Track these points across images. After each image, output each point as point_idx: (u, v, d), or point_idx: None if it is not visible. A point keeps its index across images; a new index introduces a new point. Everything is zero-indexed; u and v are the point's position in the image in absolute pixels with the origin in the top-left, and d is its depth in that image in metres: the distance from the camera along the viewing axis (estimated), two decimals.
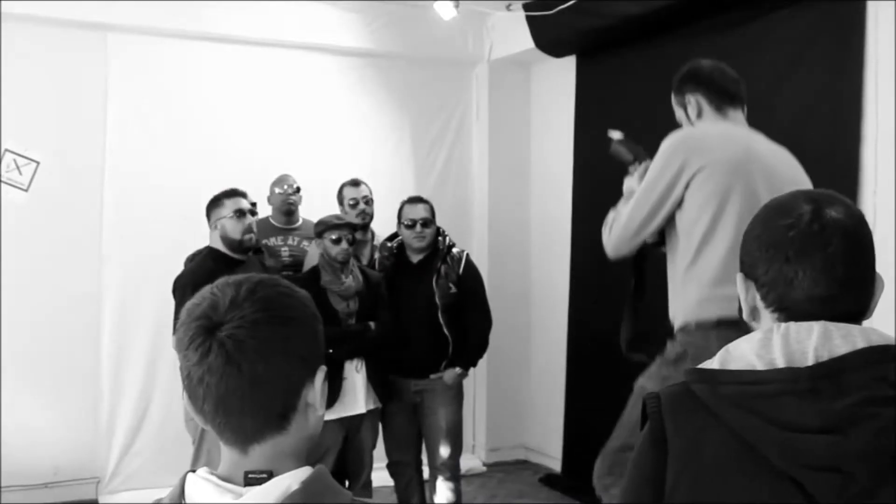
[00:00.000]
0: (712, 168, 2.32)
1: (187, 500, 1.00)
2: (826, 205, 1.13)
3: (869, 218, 3.28)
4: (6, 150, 4.56)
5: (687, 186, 2.35)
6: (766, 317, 1.16)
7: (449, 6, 4.83)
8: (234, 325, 0.98)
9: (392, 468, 3.92)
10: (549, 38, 5.11)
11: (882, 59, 3.39)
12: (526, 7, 5.13)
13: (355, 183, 4.25)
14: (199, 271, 3.44)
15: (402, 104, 5.50)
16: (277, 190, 4.26)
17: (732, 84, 2.51)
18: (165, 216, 4.74)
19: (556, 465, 5.36)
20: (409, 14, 5.30)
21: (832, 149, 3.56)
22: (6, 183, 4.56)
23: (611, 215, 2.59)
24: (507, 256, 5.69)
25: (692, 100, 2.50)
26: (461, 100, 5.72)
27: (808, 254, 1.11)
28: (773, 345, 1.09)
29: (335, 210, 4.14)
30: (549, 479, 5.25)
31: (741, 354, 1.11)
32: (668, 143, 2.42)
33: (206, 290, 1.04)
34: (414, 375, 3.77)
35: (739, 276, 1.21)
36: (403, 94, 5.50)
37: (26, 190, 4.61)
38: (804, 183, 2.40)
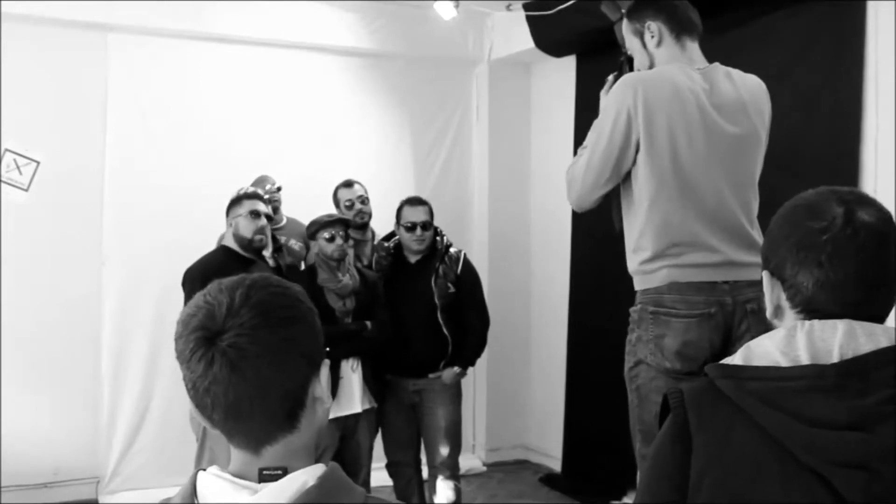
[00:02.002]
0: (650, 146, 2.31)
1: (200, 500, 1.00)
2: (858, 207, 1.13)
3: None
4: (6, 150, 4.56)
5: (635, 160, 2.35)
6: (791, 316, 1.17)
7: (449, 6, 4.83)
8: (234, 333, 0.97)
9: (391, 468, 3.91)
10: (549, 38, 5.11)
11: (882, 59, 3.39)
12: (526, 7, 5.12)
13: (348, 184, 4.26)
14: (210, 264, 3.49)
15: (402, 104, 5.50)
16: (259, 191, 4.26)
17: (691, 12, 2.47)
18: (165, 216, 4.74)
19: (556, 465, 5.36)
20: (409, 14, 5.30)
21: (832, 149, 3.56)
22: (6, 183, 4.56)
23: (573, 161, 2.55)
24: (507, 256, 5.68)
25: (653, 27, 2.44)
26: (461, 100, 5.71)
27: (841, 259, 1.11)
28: (797, 342, 1.09)
29: (334, 211, 4.15)
30: (549, 479, 5.25)
31: (765, 351, 1.12)
32: (615, 99, 2.37)
33: (199, 299, 1.02)
34: (412, 375, 3.77)
35: (765, 274, 1.21)
36: (403, 94, 5.50)
37: (26, 190, 4.61)
38: (749, 160, 2.39)
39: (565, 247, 5.32)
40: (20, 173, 4.59)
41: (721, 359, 2.49)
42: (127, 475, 4.71)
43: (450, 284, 3.76)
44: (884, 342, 1.08)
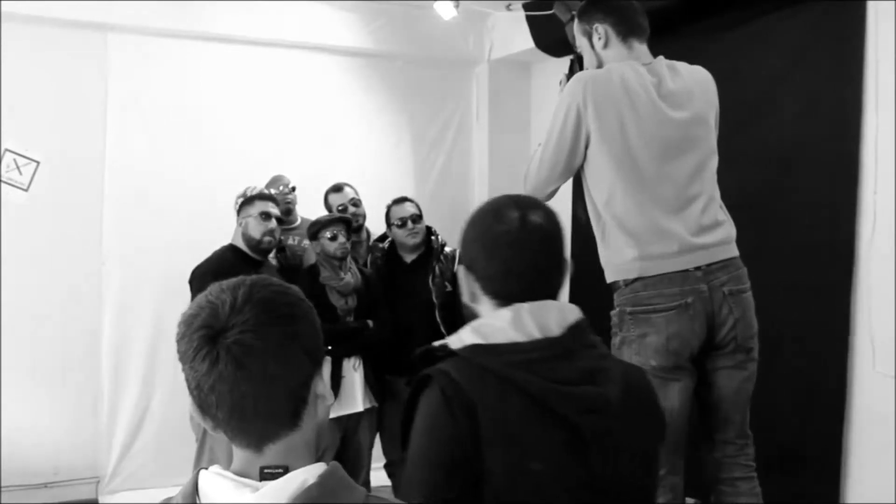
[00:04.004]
0: (603, 140, 2.34)
1: (202, 499, 1.00)
2: (529, 211, 1.42)
3: (868, 218, 3.28)
4: (6, 149, 4.56)
5: (586, 154, 2.39)
6: (485, 301, 1.43)
7: (449, 6, 4.83)
8: (238, 330, 0.98)
9: (389, 468, 3.91)
10: (549, 38, 5.10)
11: (882, 59, 3.38)
12: (526, 7, 5.12)
13: (338, 189, 4.24)
14: (219, 263, 3.50)
15: (402, 104, 5.50)
16: (273, 191, 4.26)
17: (640, 15, 2.51)
18: (166, 216, 4.74)
19: None
20: (409, 14, 5.30)
21: (832, 149, 3.55)
22: (6, 183, 4.56)
23: (531, 157, 2.58)
24: None
25: (601, 29, 2.49)
26: (461, 100, 5.71)
27: (519, 254, 1.40)
28: (524, 321, 1.35)
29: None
30: None
31: (498, 330, 1.36)
32: (566, 95, 2.40)
33: (201, 299, 1.03)
34: (411, 374, 3.77)
35: (461, 269, 1.47)
36: (403, 94, 5.50)
37: (26, 190, 4.60)
38: (700, 143, 2.42)
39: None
40: (20, 173, 4.59)
41: (707, 348, 2.49)
42: (127, 475, 4.71)
43: (447, 283, 3.77)
44: (572, 316, 1.39)
